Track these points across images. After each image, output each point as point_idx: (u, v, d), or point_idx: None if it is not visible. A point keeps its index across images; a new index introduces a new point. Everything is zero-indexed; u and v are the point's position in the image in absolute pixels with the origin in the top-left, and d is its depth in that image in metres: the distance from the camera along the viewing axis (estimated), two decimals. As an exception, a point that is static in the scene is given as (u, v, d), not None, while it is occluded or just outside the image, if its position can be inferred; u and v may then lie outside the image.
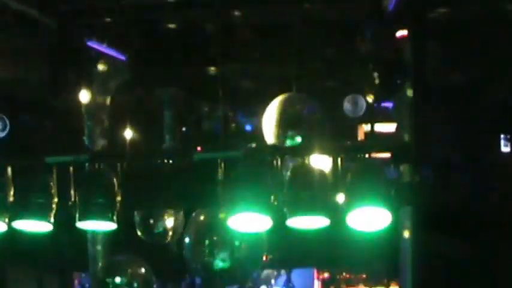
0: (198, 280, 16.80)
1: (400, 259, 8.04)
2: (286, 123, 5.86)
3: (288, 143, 5.88)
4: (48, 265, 14.53)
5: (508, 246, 8.21)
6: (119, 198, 5.74)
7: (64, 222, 6.05)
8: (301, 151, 5.60)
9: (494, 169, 8.48)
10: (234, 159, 5.56)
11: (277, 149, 5.74)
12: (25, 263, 13.93)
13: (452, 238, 8.52)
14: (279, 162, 5.57)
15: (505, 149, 8.75)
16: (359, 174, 5.45)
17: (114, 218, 5.72)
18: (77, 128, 8.43)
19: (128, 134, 8.11)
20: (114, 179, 5.79)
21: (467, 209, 8.16)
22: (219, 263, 6.15)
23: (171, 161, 6.07)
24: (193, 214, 6.44)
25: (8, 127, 6.28)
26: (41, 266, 14.79)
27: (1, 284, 14.03)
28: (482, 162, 8.35)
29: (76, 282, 18.35)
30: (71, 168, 5.97)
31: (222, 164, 5.59)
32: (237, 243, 6.07)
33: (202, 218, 6.33)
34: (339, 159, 5.76)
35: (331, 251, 11.56)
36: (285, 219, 5.45)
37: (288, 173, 5.45)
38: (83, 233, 8.43)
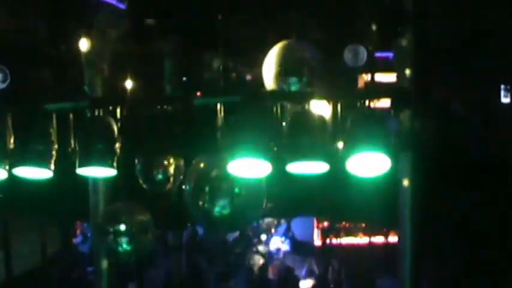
0: (200, 230, 16.95)
1: (399, 208, 8.05)
2: (286, 69, 5.80)
3: (288, 89, 5.82)
4: (50, 215, 14.63)
5: (506, 192, 8.22)
6: (118, 145, 5.72)
7: (65, 172, 6.04)
8: (301, 97, 5.56)
9: (494, 119, 8.46)
10: (234, 105, 5.53)
11: (277, 95, 5.70)
12: (27, 213, 14.00)
13: (451, 186, 8.53)
14: (279, 108, 5.54)
15: (504, 99, 8.71)
16: (358, 120, 5.42)
17: (114, 164, 5.70)
18: (78, 78, 8.39)
19: (128, 84, 8.07)
20: (114, 126, 5.77)
21: (467, 157, 8.16)
22: (219, 210, 6.12)
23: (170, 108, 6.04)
24: (194, 161, 6.41)
25: (8, 79, 6.20)
26: (42, 216, 14.89)
27: (3, 234, 14.11)
28: (482, 111, 8.32)
29: (78, 231, 18.53)
30: (71, 115, 5.95)
31: (222, 110, 5.56)
32: (237, 190, 6.03)
33: (202, 165, 6.29)
34: (339, 107, 5.74)
35: (330, 201, 11.57)
36: (285, 166, 5.43)
37: (288, 119, 5.41)
38: (84, 182, 8.44)
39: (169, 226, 14.16)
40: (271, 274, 15.30)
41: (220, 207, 6.08)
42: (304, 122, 5.37)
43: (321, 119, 5.43)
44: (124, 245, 6.66)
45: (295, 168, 5.40)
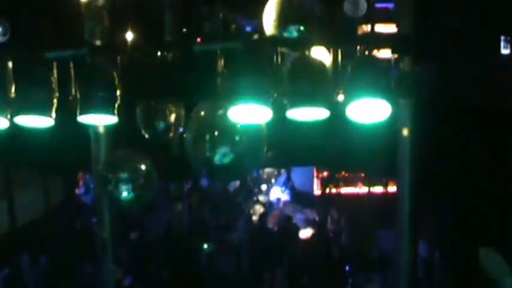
0: (204, 182, 17.01)
1: (399, 158, 8.03)
2: (286, 17, 5.73)
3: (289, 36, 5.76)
4: (52, 166, 14.64)
5: (507, 140, 8.20)
6: (119, 92, 5.68)
7: (66, 122, 6.02)
8: (302, 43, 5.50)
9: (493, 70, 8.40)
10: (234, 51, 5.48)
11: (278, 40, 5.63)
12: (29, 164, 14.02)
13: (451, 135, 8.51)
14: (279, 54, 5.50)
15: (504, 50, 8.64)
16: (359, 67, 5.37)
17: (115, 111, 5.67)
18: (78, 28, 8.32)
19: (129, 35, 7.99)
20: (114, 73, 5.72)
21: (467, 106, 8.12)
22: (220, 159, 6.10)
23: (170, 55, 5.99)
24: (194, 110, 6.37)
25: (8, 32, 6.14)
26: (45, 167, 14.91)
27: (6, 185, 14.15)
28: (482, 61, 8.26)
29: (80, 182, 18.61)
30: (71, 63, 5.91)
31: (222, 56, 5.52)
32: (237, 137, 6.01)
33: (202, 113, 6.26)
34: (339, 54, 5.69)
35: (330, 151, 11.56)
36: (285, 113, 5.40)
37: (288, 65, 5.36)
38: (85, 133, 8.42)
39: (170, 176, 14.18)
40: (271, 223, 15.39)
41: (221, 155, 6.05)
42: (304, 67, 5.32)
43: (322, 65, 5.38)
44: (126, 193, 6.67)
45: (295, 115, 5.37)
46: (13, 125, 5.98)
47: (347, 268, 12.93)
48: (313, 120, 5.45)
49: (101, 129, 8.21)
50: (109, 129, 8.23)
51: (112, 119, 5.77)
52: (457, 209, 9.23)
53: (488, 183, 8.49)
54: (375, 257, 12.58)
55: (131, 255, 12.79)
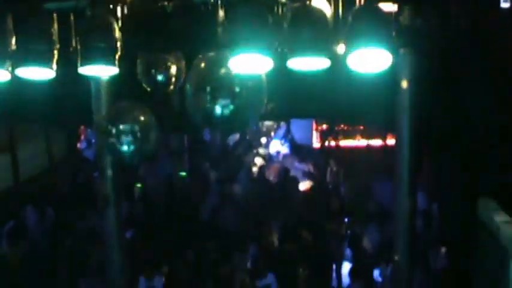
0: (205, 135, 16.99)
1: (398, 111, 7.99)
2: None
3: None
4: (55, 120, 14.59)
5: (506, 95, 8.13)
6: (119, 43, 5.62)
7: (67, 75, 5.97)
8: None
9: (493, 23, 8.31)
10: (234, 0, 5.41)
11: (278, -11, 5.56)
12: (32, 119, 13.96)
13: (450, 87, 8.44)
14: (280, 4, 5.43)
15: (504, 4, 8.52)
16: (360, 16, 5.30)
17: (116, 62, 5.62)
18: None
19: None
20: (115, 24, 5.66)
21: (466, 59, 8.05)
22: (221, 110, 6.05)
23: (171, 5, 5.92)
24: (195, 61, 6.30)
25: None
26: (47, 121, 14.87)
27: (9, 139, 14.14)
28: (482, 15, 8.16)
29: (82, 137, 18.59)
30: (72, 15, 5.85)
31: (222, 6, 5.45)
32: (237, 89, 5.94)
33: (203, 65, 6.18)
34: (340, 3, 5.63)
35: (329, 103, 11.49)
36: (285, 65, 5.35)
37: (289, 14, 5.29)
38: (87, 87, 8.37)
39: (171, 129, 14.13)
40: (271, 176, 15.39)
41: (222, 107, 6.00)
42: (305, 16, 5.25)
43: (322, 14, 5.31)
44: (127, 144, 6.64)
45: (296, 64, 5.32)
46: (15, 78, 5.94)
47: (346, 220, 12.96)
48: (313, 70, 5.40)
49: (102, 82, 8.17)
50: (110, 82, 8.19)
51: (112, 70, 5.73)
52: (456, 161, 9.19)
53: (488, 135, 8.44)
54: (373, 209, 12.59)
55: (132, 208, 12.80)
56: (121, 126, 6.65)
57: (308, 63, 5.31)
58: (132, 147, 6.69)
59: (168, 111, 9.07)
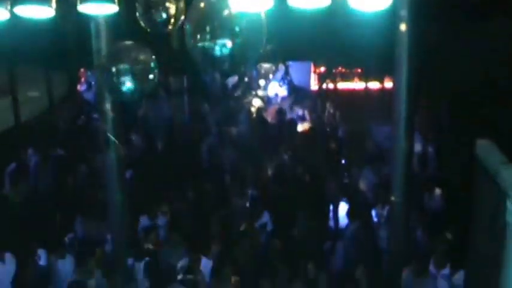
0: (204, 76, 16.85)
1: (396, 53, 7.91)
2: None
3: None
4: (55, 62, 14.51)
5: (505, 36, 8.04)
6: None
7: (67, 16, 5.87)
8: None
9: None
10: None
11: None
12: (33, 62, 13.88)
13: (449, 30, 8.36)
14: None
15: None
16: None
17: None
18: None
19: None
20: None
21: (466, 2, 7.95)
22: (220, 50, 5.94)
23: None
24: (194, 1, 6.17)
25: None
26: (47, 63, 14.78)
27: (10, 81, 14.05)
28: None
29: (82, 79, 18.49)
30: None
31: None
32: (237, 28, 5.83)
33: (202, 4, 6.05)
34: None
35: (328, 46, 11.38)
36: (285, 7, 5.26)
37: None
38: (87, 29, 8.27)
39: (171, 71, 14.07)
40: (269, 117, 15.33)
41: (221, 46, 5.89)
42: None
43: None
44: (127, 83, 6.54)
45: (297, 2, 5.22)
46: (14, 19, 5.83)
47: (343, 161, 12.96)
48: (313, 8, 5.30)
49: (102, 24, 8.06)
50: (110, 23, 8.07)
51: (112, 8, 5.62)
52: (454, 103, 9.15)
53: (487, 77, 8.38)
54: (370, 150, 12.57)
55: (132, 148, 12.77)
56: (121, 65, 6.53)
57: (308, 1, 5.21)
58: (131, 87, 6.59)
59: (168, 51, 8.97)
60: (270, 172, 11.79)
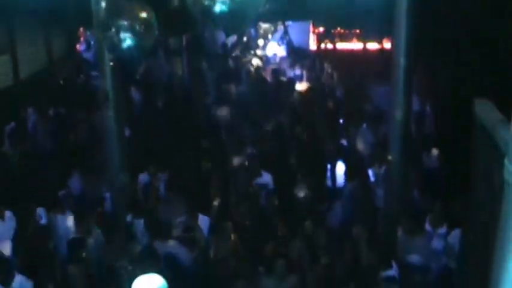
0: (206, 33, 16.70)
1: (395, 14, 7.85)
2: None
3: None
4: (54, 20, 14.39)
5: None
6: None
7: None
8: None
9: None
10: None
11: None
12: (31, 19, 13.76)
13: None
14: None
15: None
16: None
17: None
18: None
19: None
20: None
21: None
22: (219, 8, 5.87)
23: None
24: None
25: None
26: (47, 21, 14.67)
27: (10, 39, 13.94)
28: None
29: (81, 39, 18.39)
30: None
31: None
32: (237, -15, 5.75)
33: (202, -39, 5.96)
34: None
35: (327, 6, 11.27)
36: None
37: None
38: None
39: (170, 31, 13.92)
40: (268, 77, 15.25)
41: (221, 3, 5.82)
42: None
43: None
44: (127, 40, 6.46)
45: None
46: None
47: (341, 121, 12.93)
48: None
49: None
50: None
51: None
52: (451, 63, 9.09)
53: (486, 37, 8.31)
54: (368, 110, 12.51)
55: (130, 106, 12.72)
56: (120, 22, 6.45)
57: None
58: (131, 44, 6.51)
59: (168, 11, 8.88)
60: (268, 130, 11.73)
